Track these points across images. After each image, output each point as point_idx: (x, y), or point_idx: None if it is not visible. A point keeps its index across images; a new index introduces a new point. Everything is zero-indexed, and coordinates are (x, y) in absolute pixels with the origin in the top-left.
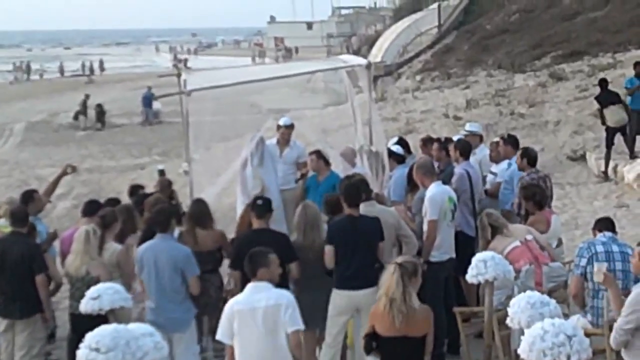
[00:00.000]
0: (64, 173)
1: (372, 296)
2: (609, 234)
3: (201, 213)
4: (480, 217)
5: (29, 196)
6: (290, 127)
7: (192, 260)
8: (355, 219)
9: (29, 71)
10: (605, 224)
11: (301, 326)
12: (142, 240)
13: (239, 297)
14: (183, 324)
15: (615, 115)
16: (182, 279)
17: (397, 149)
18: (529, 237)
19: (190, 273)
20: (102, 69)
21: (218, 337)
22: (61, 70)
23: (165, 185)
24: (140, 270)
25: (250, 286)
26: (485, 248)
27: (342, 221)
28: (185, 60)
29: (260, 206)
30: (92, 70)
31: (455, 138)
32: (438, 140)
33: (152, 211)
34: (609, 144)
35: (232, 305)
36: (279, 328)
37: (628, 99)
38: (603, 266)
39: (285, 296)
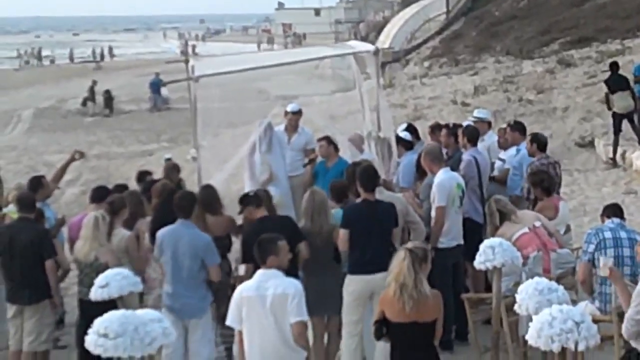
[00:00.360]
0: (72, 159)
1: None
2: (617, 220)
3: (210, 199)
4: (488, 203)
5: (37, 182)
6: (297, 113)
7: (213, 249)
8: (372, 204)
9: (40, 57)
10: (613, 210)
11: (305, 317)
12: (153, 226)
13: (248, 283)
14: (200, 310)
15: (622, 101)
16: (200, 266)
17: (405, 135)
18: (537, 223)
19: (210, 261)
20: (111, 55)
21: (228, 322)
22: (71, 57)
23: (172, 170)
24: (160, 254)
25: (259, 273)
26: (493, 234)
27: (359, 205)
28: (194, 47)
29: (252, 197)
30: (102, 57)
31: (464, 124)
32: (446, 126)
33: (176, 196)
34: (617, 130)
35: (241, 291)
36: (285, 317)
37: (636, 86)
38: (609, 261)
39: (293, 285)
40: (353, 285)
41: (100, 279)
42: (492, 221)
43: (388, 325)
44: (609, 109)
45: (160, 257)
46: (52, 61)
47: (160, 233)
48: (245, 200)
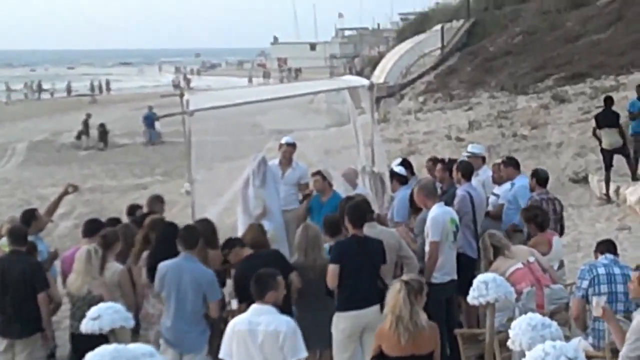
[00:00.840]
0: (66, 192)
1: (377, 314)
2: (610, 256)
3: (211, 233)
4: (482, 237)
5: (30, 215)
6: (292, 145)
7: (216, 284)
8: (361, 240)
9: (40, 90)
10: (606, 246)
11: (302, 354)
12: (151, 260)
13: (241, 317)
14: (198, 344)
15: (609, 137)
16: (202, 301)
17: (400, 170)
18: (532, 258)
19: (212, 297)
20: (108, 88)
21: (221, 355)
22: (68, 90)
23: (154, 201)
24: (161, 288)
25: (253, 307)
26: (487, 268)
27: (349, 241)
28: (189, 80)
29: (234, 239)
30: (100, 90)
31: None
32: (442, 161)
33: (181, 229)
34: (607, 166)
35: (234, 325)
36: (275, 355)
37: (631, 123)
38: (602, 300)
39: (286, 323)
40: (344, 322)
41: (92, 311)
42: (486, 255)
43: (385, 359)
44: (598, 142)
45: (161, 291)
46: (52, 94)
47: (162, 266)
48: (230, 244)
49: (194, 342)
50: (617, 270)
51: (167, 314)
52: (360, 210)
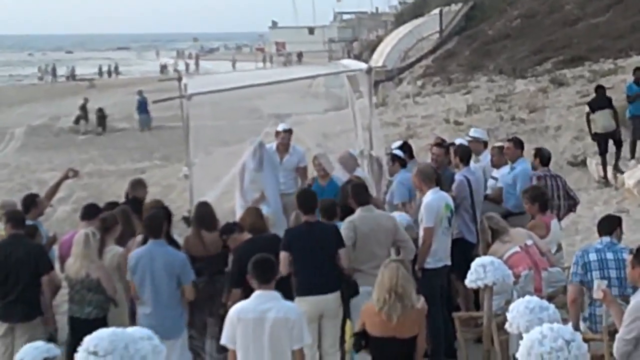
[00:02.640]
0: (66, 177)
1: (336, 301)
2: (606, 239)
3: (206, 216)
4: (481, 220)
5: (30, 200)
6: (288, 131)
7: (188, 267)
8: (312, 225)
9: (54, 74)
10: (604, 227)
11: (308, 340)
12: (144, 243)
13: (245, 304)
14: (177, 330)
15: (602, 120)
16: (177, 285)
17: (398, 152)
18: (529, 242)
19: (186, 280)
20: (117, 72)
21: (222, 341)
22: (72, 74)
23: (137, 185)
24: (132, 274)
25: (258, 294)
26: (485, 251)
27: (299, 228)
28: (198, 58)
29: (232, 224)
30: (109, 74)
31: (456, 142)
32: (438, 144)
33: (145, 217)
34: (603, 151)
35: (238, 311)
36: (283, 341)
37: (629, 106)
38: (603, 283)
39: (295, 310)
40: (303, 307)
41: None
42: (484, 238)
43: (367, 338)
44: (590, 131)
45: (132, 277)
46: (68, 78)
47: (133, 254)
48: (228, 230)
49: (172, 327)
50: (610, 256)
51: (143, 302)
52: (309, 197)
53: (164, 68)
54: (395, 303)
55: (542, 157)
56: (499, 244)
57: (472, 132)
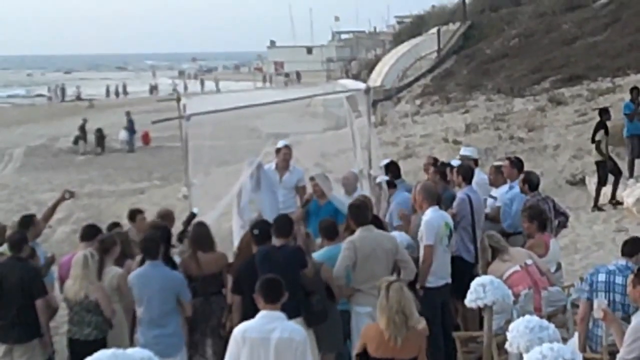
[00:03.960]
0: (62, 198)
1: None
2: (622, 262)
3: (202, 236)
4: (481, 238)
5: (28, 221)
6: (288, 147)
7: (185, 285)
8: (275, 250)
9: (63, 94)
10: (626, 249)
11: None
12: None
13: (250, 324)
14: (175, 348)
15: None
16: (174, 304)
17: (381, 179)
18: (529, 261)
19: (186, 297)
20: (125, 92)
21: None
22: (78, 95)
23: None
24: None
25: (263, 314)
26: (485, 270)
27: (260, 253)
28: (202, 81)
29: (257, 235)
30: (117, 94)
31: (452, 163)
32: (433, 163)
33: (141, 239)
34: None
35: (244, 331)
36: None
37: (626, 125)
38: (603, 303)
39: (299, 332)
40: None
41: None
42: (484, 256)
43: (368, 359)
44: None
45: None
46: (77, 98)
47: (131, 277)
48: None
49: (171, 346)
50: (618, 280)
51: (142, 322)
52: (286, 223)
53: (153, 89)
54: (402, 325)
55: (531, 183)
56: (499, 262)
57: (463, 151)
